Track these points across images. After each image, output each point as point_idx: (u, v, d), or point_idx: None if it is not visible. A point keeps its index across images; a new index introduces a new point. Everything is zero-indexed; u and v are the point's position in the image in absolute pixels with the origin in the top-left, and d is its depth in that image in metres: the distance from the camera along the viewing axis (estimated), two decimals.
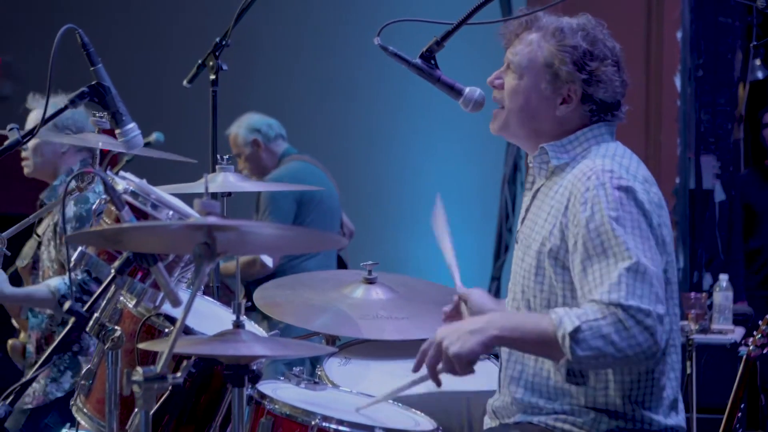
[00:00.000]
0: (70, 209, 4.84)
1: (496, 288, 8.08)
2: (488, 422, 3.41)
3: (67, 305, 3.08)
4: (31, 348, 5.14)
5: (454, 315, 3.49)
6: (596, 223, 3.08)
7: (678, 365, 3.24)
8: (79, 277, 4.82)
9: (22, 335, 5.28)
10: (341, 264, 6.72)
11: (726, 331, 6.29)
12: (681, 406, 3.27)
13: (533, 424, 3.24)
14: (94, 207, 3.53)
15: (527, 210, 3.34)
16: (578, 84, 3.24)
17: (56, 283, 4.80)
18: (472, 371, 3.05)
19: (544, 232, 3.21)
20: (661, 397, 3.20)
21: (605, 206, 3.08)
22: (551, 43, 3.25)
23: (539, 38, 3.27)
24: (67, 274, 4.68)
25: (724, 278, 6.36)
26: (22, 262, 5.18)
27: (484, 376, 3.82)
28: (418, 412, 3.50)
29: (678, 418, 3.24)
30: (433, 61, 3.41)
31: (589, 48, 3.23)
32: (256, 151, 6.79)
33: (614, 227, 3.05)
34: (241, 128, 6.82)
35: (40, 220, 5.06)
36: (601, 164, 3.15)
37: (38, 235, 5.14)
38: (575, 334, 2.95)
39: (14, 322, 5.19)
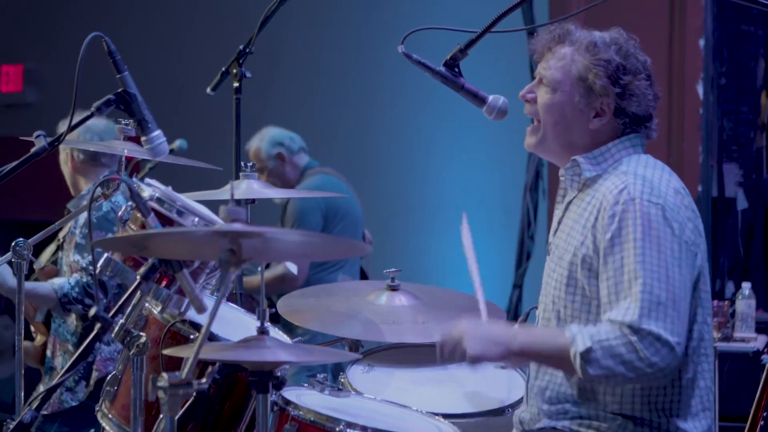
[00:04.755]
0: (84, 215, 4.87)
1: (518, 296, 8.07)
2: None
3: (92, 311, 3.09)
4: (49, 353, 5.16)
5: None
6: (621, 239, 3.10)
7: (709, 374, 3.24)
8: (84, 280, 4.88)
9: (37, 338, 5.29)
10: (363, 275, 6.71)
11: (748, 339, 6.26)
12: (711, 415, 3.26)
13: (557, 429, 3.25)
14: (120, 213, 3.55)
15: (559, 222, 3.35)
16: (612, 98, 3.24)
17: (60, 282, 4.94)
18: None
19: (575, 243, 3.22)
20: (689, 405, 3.20)
21: (632, 222, 3.10)
22: (585, 57, 3.25)
23: (572, 52, 3.27)
24: (94, 278, 4.71)
25: (746, 286, 6.33)
26: (39, 264, 5.22)
27: (504, 384, 3.83)
28: (442, 420, 3.51)
29: (706, 427, 3.24)
30: (456, 69, 3.41)
31: (623, 62, 3.24)
32: (280, 164, 6.69)
33: (637, 246, 3.08)
34: (263, 142, 6.71)
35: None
36: (633, 178, 3.17)
37: (59, 240, 5.19)
38: (587, 354, 3.03)
39: (30, 326, 5.21)
